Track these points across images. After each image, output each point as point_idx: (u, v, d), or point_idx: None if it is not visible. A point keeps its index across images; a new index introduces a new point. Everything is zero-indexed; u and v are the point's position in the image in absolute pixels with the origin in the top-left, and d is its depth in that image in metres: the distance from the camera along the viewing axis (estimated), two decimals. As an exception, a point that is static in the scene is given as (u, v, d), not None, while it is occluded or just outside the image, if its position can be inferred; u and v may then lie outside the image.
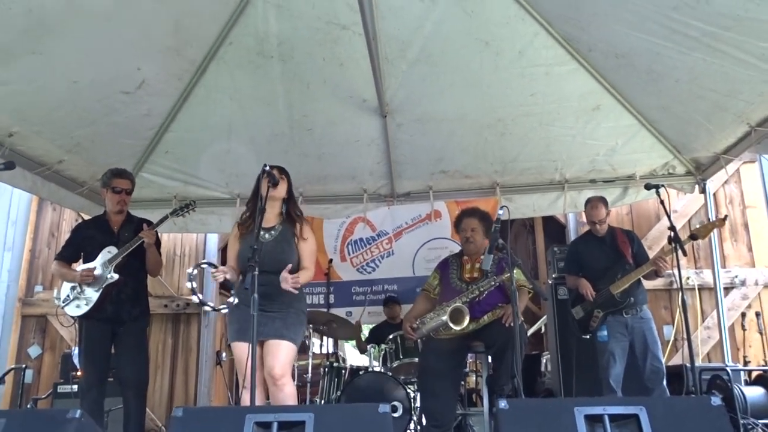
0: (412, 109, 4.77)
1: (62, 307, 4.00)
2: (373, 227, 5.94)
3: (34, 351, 6.61)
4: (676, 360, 5.84)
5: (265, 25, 4.15)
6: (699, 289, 6.09)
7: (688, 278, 6.03)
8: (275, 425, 2.02)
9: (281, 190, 3.50)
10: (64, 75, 3.91)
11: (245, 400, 3.01)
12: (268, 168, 3.20)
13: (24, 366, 5.98)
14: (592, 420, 2.09)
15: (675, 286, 5.69)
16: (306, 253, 3.55)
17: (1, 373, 6.01)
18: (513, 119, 4.84)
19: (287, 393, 3.27)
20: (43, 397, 5.71)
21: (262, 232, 3.39)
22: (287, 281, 3.26)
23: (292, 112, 4.79)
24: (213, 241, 6.91)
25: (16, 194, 6.92)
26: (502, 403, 2.10)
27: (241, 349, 3.32)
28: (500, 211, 3.27)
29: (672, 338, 5.94)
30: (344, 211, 5.83)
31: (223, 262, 7.13)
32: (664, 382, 4.14)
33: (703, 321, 6.04)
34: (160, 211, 4.97)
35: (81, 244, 4.12)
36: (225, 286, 7.09)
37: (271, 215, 3.53)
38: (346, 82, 4.54)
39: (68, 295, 3.97)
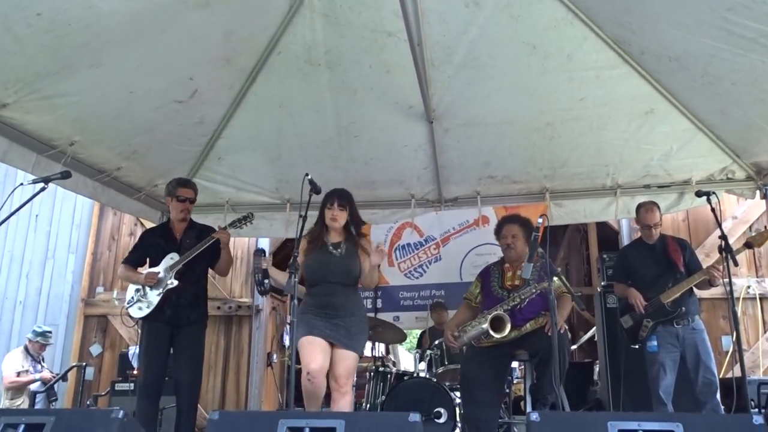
0: (459, 114, 4.74)
1: (126, 308, 4.23)
2: (421, 232, 5.95)
3: (95, 349, 6.90)
4: (735, 372, 5.61)
5: (312, 34, 4.21)
6: (761, 298, 5.85)
7: (748, 287, 5.79)
8: (307, 430, 2.06)
9: (341, 220, 3.84)
10: (121, 86, 4.06)
11: (307, 390, 3.52)
12: (309, 177, 3.32)
13: (84, 364, 6.24)
14: (627, 436, 2.03)
15: (735, 295, 5.48)
16: (368, 266, 3.83)
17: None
18: (562, 123, 4.76)
19: (347, 400, 3.66)
20: (103, 394, 5.96)
21: (330, 248, 3.84)
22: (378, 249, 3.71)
23: (340, 119, 4.84)
24: (264, 245, 7.04)
25: (79, 199, 7.25)
26: (534, 416, 2.08)
27: (309, 341, 3.59)
28: (539, 220, 3.23)
29: (731, 349, 5.71)
30: (392, 216, 5.83)
31: (274, 266, 7.27)
32: (718, 396, 3.99)
33: (765, 331, 5.79)
34: (214, 216, 5.14)
35: (146, 250, 4.35)
36: (276, 290, 7.25)
37: (336, 233, 3.89)
38: (392, 88, 4.56)
39: (132, 297, 4.20)
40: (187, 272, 4.18)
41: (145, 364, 4.13)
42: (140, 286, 4.17)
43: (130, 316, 4.26)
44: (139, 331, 4.31)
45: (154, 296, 4.11)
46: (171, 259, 4.18)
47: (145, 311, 4.11)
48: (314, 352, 3.55)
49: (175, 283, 4.09)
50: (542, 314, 3.91)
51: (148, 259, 4.32)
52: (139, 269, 4.32)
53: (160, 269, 4.16)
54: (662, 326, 4.15)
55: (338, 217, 3.83)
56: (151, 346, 4.13)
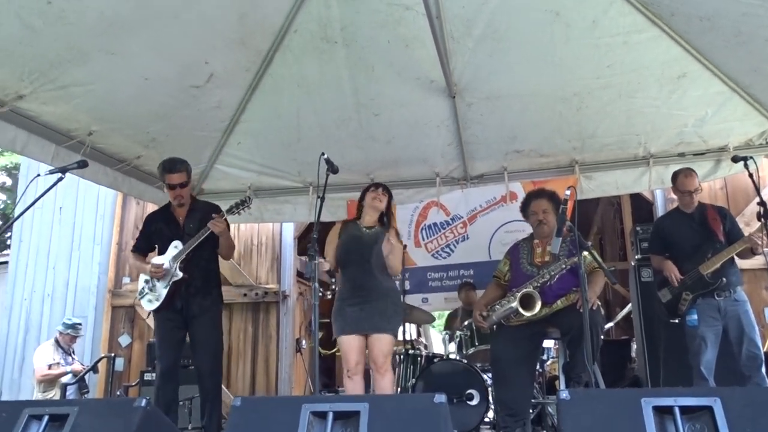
0: (481, 88, 4.60)
1: (138, 299, 4.19)
2: (447, 211, 5.82)
3: (124, 340, 6.95)
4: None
5: (327, 10, 4.09)
6: (804, 267, 5.61)
7: (790, 256, 5.56)
8: (330, 414, 2.02)
9: (383, 205, 4.06)
10: (136, 73, 4.01)
11: (348, 387, 3.76)
12: (326, 156, 3.32)
13: (113, 355, 6.28)
14: (662, 412, 1.93)
15: (778, 265, 5.29)
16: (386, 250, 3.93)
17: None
18: (589, 92, 4.58)
19: (388, 379, 3.79)
20: (133, 384, 5.98)
21: (363, 228, 4.02)
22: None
23: (359, 97, 4.73)
24: (289, 230, 7.00)
25: (102, 190, 7.24)
26: (564, 394, 2.00)
27: (346, 342, 3.82)
28: (567, 191, 3.10)
29: (774, 321, 5.52)
30: (417, 195, 5.74)
31: (300, 252, 7.20)
32: (763, 369, 3.83)
33: (810, 302, 5.57)
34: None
35: (151, 236, 4.25)
36: (301, 275, 7.19)
37: (372, 219, 4.06)
38: (412, 63, 4.43)
39: (143, 288, 4.13)
40: (194, 259, 4.06)
41: (160, 355, 4.09)
42: (149, 277, 4.09)
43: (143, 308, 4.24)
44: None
45: (161, 289, 4.02)
46: (175, 248, 4.06)
47: (155, 304, 4.04)
48: (350, 351, 3.79)
49: (180, 275, 3.98)
50: (573, 290, 3.77)
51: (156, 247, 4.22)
52: (150, 254, 4.25)
53: (165, 260, 4.04)
54: (702, 299, 3.99)
55: (382, 199, 4.05)
56: (163, 338, 4.10)
